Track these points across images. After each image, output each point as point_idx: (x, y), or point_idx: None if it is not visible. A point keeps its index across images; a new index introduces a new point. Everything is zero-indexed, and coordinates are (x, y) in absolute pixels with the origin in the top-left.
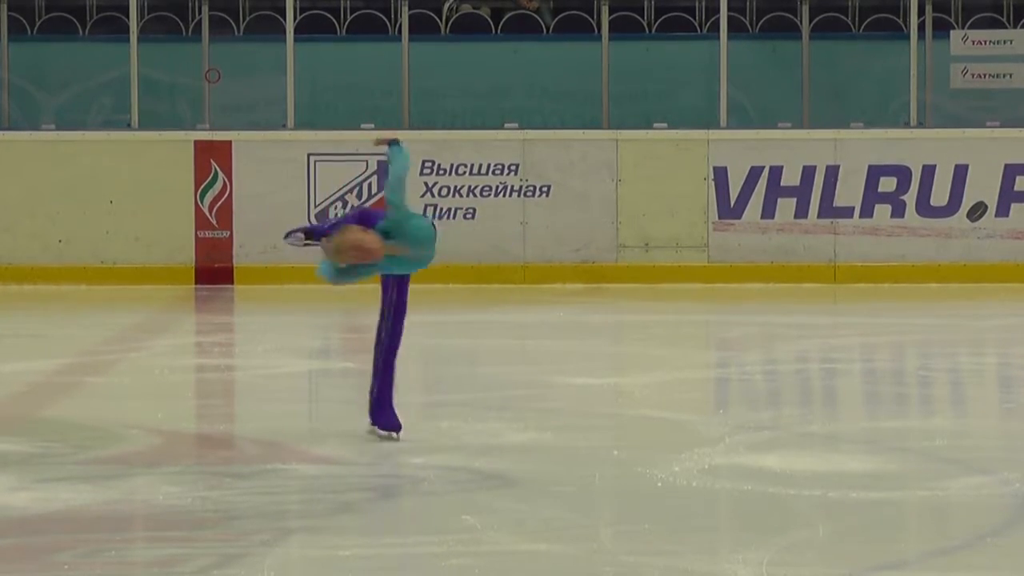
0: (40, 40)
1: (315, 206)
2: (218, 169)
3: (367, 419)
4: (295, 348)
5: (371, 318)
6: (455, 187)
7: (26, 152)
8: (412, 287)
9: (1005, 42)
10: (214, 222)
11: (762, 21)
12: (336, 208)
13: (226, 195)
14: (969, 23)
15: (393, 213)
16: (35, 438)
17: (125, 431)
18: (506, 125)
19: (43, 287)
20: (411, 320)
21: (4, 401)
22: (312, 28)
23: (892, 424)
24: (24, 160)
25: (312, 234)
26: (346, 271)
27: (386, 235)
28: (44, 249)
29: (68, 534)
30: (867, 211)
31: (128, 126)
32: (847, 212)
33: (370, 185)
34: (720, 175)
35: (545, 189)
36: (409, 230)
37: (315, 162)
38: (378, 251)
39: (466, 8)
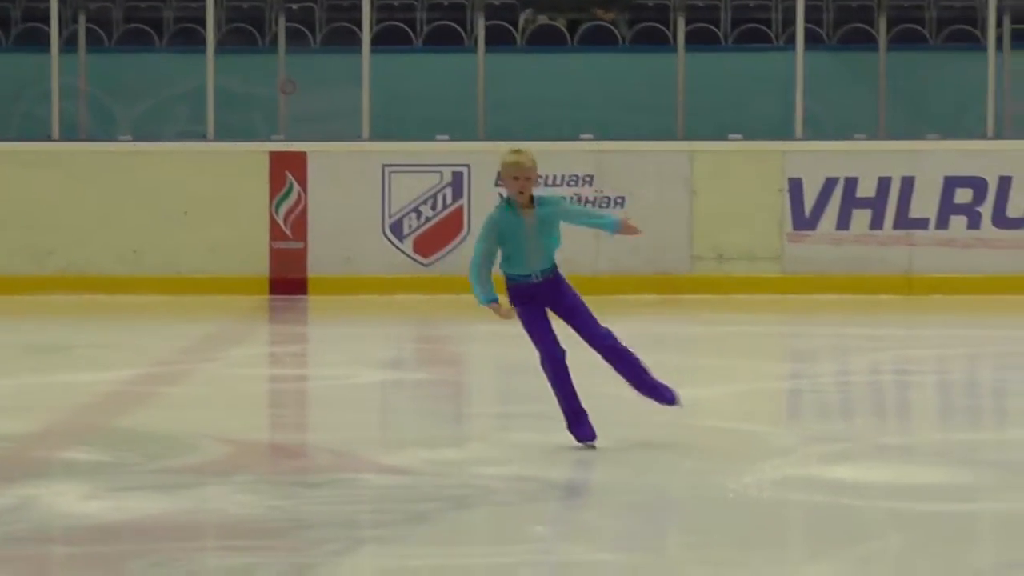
0: (117, 52)
1: (389, 217)
2: (293, 180)
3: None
4: (368, 358)
5: (443, 329)
6: None
7: (102, 163)
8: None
9: None
10: (288, 233)
11: (839, 33)
12: (411, 219)
13: (301, 206)
14: None
15: None
16: (108, 447)
17: (198, 441)
18: (581, 136)
19: (118, 297)
20: (482, 330)
21: (78, 410)
22: (388, 40)
23: (966, 436)
24: (100, 171)
25: None
26: None
27: None
28: (119, 259)
29: (140, 543)
30: (942, 223)
31: (204, 137)
32: (922, 224)
33: (444, 196)
34: (795, 186)
35: (619, 200)
36: None
37: (390, 173)
38: None
39: (542, 20)
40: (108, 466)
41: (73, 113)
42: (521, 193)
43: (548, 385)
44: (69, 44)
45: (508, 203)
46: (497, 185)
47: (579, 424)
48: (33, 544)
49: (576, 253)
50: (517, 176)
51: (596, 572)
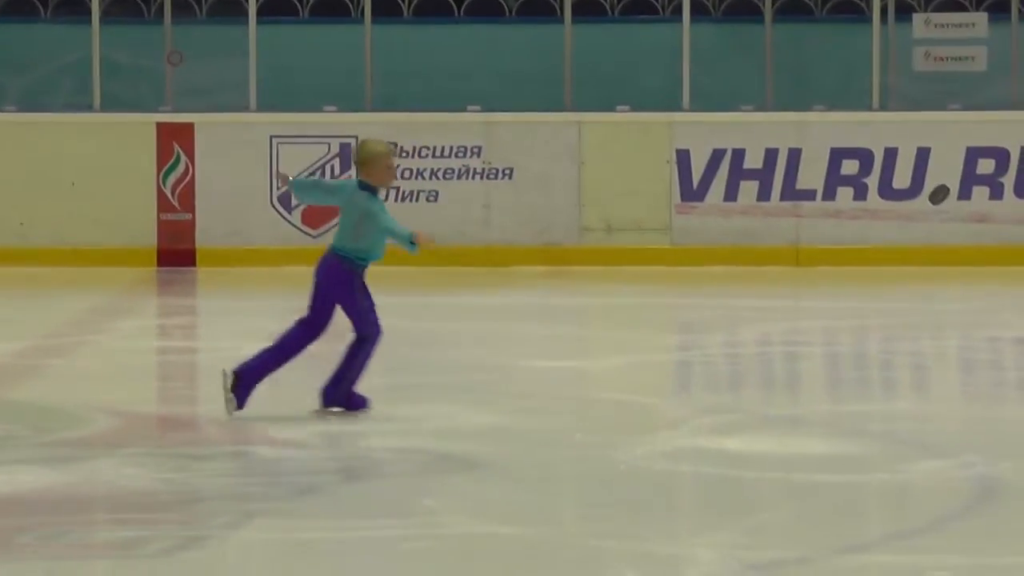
0: (2, 22)
1: (277, 188)
2: (180, 151)
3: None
4: (257, 330)
5: None
6: (417, 170)
7: None
8: (374, 269)
9: (967, 25)
10: (176, 204)
11: (725, 4)
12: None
13: (188, 177)
14: (931, 6)
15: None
16: None
17: (87, 413)
18: (469, 108)
19: (4, 269)
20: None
21: None
22: (275, 10)
23: (854, 407)
24: None
25: None
26: None
27: None
28: (5, 231)
29: (29, 516)
30: (829, 194)
31: (90, 108)
32: (809, 195)
33: (332, 167)
34: (683, 158)
35: (508, 172)
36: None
37: (277, 144)
38: None
39: None
40: None
41: None
42: (393, 180)
43: (344, 357)
44: None
45: (371, 190)
46: None
47: (358, 395)
48: None
49: (466, 224)
50: (390, 165)
51: (488, 545)
